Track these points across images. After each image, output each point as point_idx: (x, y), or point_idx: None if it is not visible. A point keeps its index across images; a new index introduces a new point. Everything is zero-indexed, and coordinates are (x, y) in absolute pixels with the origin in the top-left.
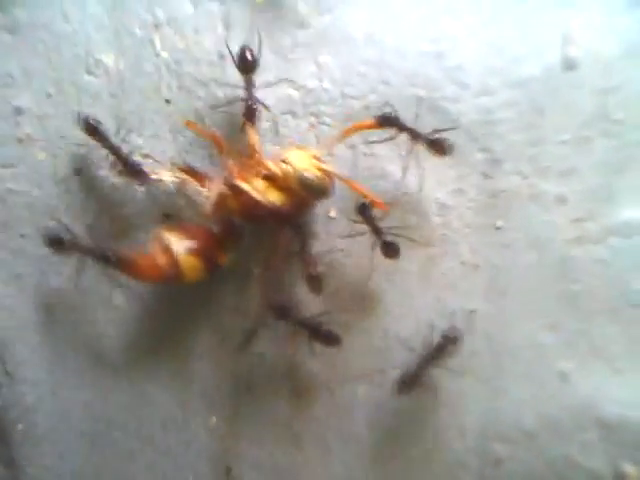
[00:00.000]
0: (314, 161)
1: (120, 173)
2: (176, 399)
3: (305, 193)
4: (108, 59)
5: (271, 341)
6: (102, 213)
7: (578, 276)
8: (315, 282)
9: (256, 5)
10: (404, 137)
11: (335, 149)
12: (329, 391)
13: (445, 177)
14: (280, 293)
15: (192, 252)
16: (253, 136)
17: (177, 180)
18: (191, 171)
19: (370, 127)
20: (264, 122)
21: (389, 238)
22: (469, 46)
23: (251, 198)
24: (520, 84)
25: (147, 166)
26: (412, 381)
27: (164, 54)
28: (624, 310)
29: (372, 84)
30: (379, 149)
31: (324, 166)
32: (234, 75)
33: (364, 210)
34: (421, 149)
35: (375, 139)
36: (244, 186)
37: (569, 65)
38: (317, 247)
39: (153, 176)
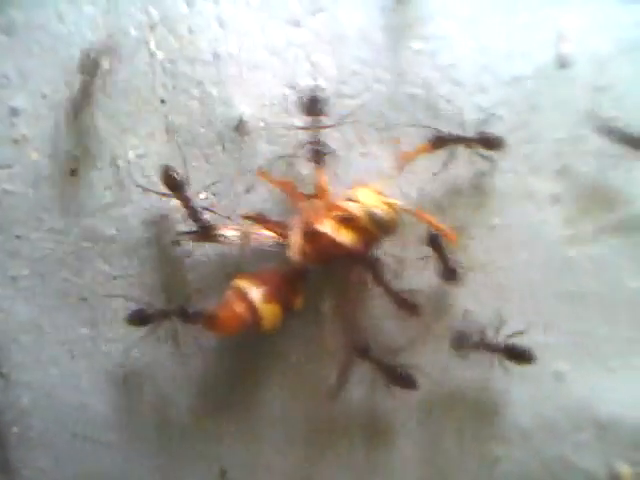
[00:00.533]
0: (380, 197)
1: (191, 236)
2: None
3: (376, 229)
4: (103, 60)
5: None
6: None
7: (573, 275)
8: (413, 309)
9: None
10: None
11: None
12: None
13: (440, 176)
14: (358, 332)
15: (269, 298)
16: (322, 178)
17: (242, 234)
18: (263, 220)
19: (426, 151)
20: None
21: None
22: (463, 44)
23: (328, 240)
24: (514, 82)
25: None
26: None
27: (159, 54)
28: (618, 309)
29: (367, 83)
30: (376, 149)
31: (391, 201)
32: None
33: (435, 240)
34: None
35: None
36: (325, 229)
37: (563, 63)
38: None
39: (221, 234)
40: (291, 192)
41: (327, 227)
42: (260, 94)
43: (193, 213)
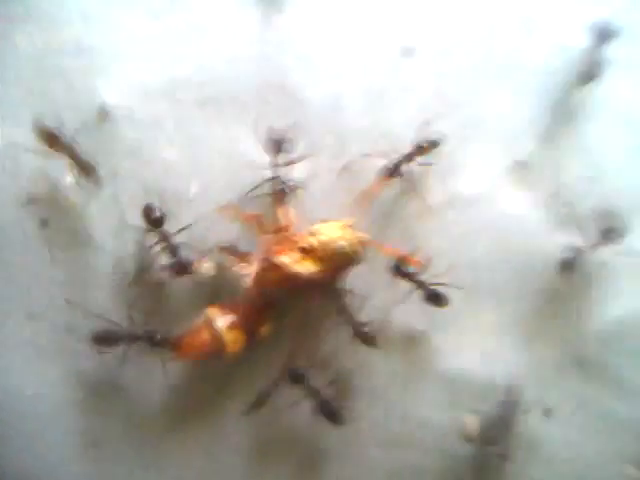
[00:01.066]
0: (344, 230)
1: (165, 269)
2: None
3: (339, 261)
4: None
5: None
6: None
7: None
8: (369, 339)
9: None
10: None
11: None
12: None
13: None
14: (306, 359)
15: (234, 326)
16: (286, 213)
17: (216, 267)
18: (233, 251)
19: (383, 184)
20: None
21: (432, 288)
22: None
23: (285, 271)
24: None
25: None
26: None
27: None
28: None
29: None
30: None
31: (354, 233)
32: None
33: (398, 270)
34: None
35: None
36: (283, 261)
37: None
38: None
39: (195, 268)
40: (259, 226)
41: (285, 258)
42: (124, 83)
43: (173, 249)
